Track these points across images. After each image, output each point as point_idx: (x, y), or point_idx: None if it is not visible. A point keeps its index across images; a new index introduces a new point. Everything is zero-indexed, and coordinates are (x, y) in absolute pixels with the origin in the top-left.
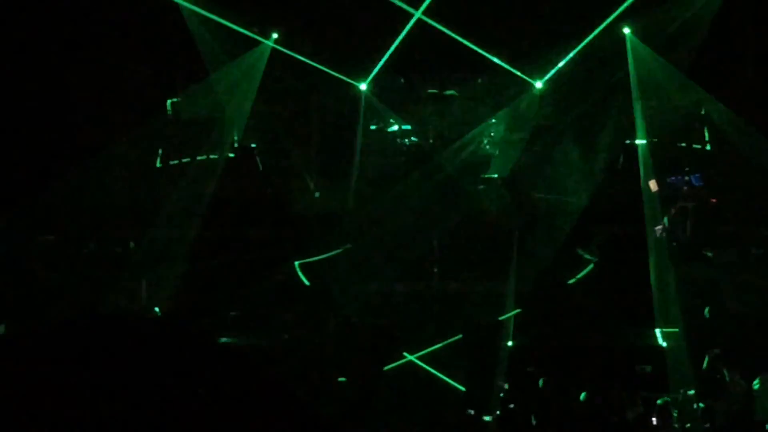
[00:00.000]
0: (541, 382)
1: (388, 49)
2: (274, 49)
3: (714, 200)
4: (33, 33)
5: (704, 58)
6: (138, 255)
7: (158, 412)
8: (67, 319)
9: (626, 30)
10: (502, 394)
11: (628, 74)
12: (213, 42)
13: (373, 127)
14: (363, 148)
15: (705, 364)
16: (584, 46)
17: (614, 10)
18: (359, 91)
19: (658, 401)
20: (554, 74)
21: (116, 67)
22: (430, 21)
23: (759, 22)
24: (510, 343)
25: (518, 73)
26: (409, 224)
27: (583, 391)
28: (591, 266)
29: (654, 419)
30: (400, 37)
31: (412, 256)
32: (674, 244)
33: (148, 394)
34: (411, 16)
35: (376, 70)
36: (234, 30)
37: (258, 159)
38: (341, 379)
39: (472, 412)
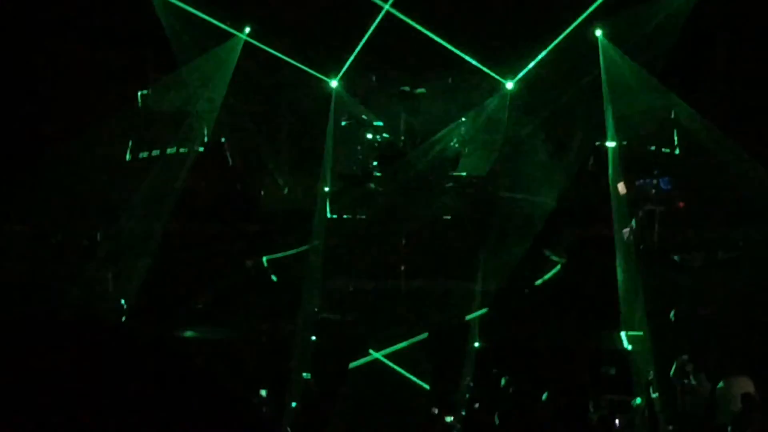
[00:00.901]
0: (503, 382)
1: (359, 44)
2: (245, 44)
3: (682, 204)
4: None
5: (675, 61)
6: (105, 247)
7: (113, 412)
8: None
9: (598, 32)
10: (466, 394)
11: (599, 76)
12: (184, 34)
13: (343, 123)
14: (333, 145)
15: (673, 370)
16: (555, 47)
17: (586, 11)
18: (330, 87)
19: (633, 403)
20: (525, 74)
21: (86, 58)
22: (402, 17)
23: (729, 26)
24: (476, 344)
25: (490, 72)
26: (378, 221)
27: (546, 391)
28: (558, 267)
29: (617, 421)
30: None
31: (380, 253)
32: (641, 246)
33: (103, 395)
34: (382, 10)
35: (347, 65)
36: (206, 22)
37: (227, 154)
38: (306, 375)
39: (436, 411)
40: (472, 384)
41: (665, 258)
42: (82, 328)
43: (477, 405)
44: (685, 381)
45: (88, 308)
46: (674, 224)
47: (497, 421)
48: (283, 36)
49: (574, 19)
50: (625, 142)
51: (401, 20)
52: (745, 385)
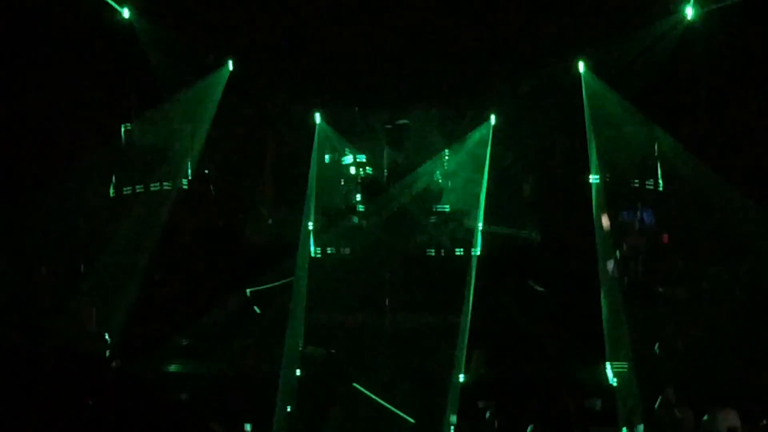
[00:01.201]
0: (487, 414)
1: (344, 77)
2: (230, 77)
3: (666, 237)
4: None
5: (659, 94)
6: (90, 281)
7: None
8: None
9: (581, 64)
10: (451, 427)
11: (582, 109)
12: (168, 67)
13: (327, 157)
14: (317, 178)
15: (658, 403)
16: (539, 80)
17: (569, 44)
18: (314, 120)
19: None
20: (509, 107)
21: (70, 91)
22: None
23: (713, 59)
24: (461, 376)
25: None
26: (362, 255)
27: (531, 424)
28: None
29: None
30: None
31: (364, 287)
32: (626, 280)
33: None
34: (367, 44)
35: None
36: (191, 56)
37: (212, 187)
38: (290, 409)
39: None
40: (456, 417)
41: (649, 291)
42: (65, 362)
43: None
44: (670, 414)
45: (71, 342)
46: (658, 258)
47: None
48: (267, 69)
49: (558, 51)
50: (608, 176)
51: (385, 52)
52: (731, 418)
